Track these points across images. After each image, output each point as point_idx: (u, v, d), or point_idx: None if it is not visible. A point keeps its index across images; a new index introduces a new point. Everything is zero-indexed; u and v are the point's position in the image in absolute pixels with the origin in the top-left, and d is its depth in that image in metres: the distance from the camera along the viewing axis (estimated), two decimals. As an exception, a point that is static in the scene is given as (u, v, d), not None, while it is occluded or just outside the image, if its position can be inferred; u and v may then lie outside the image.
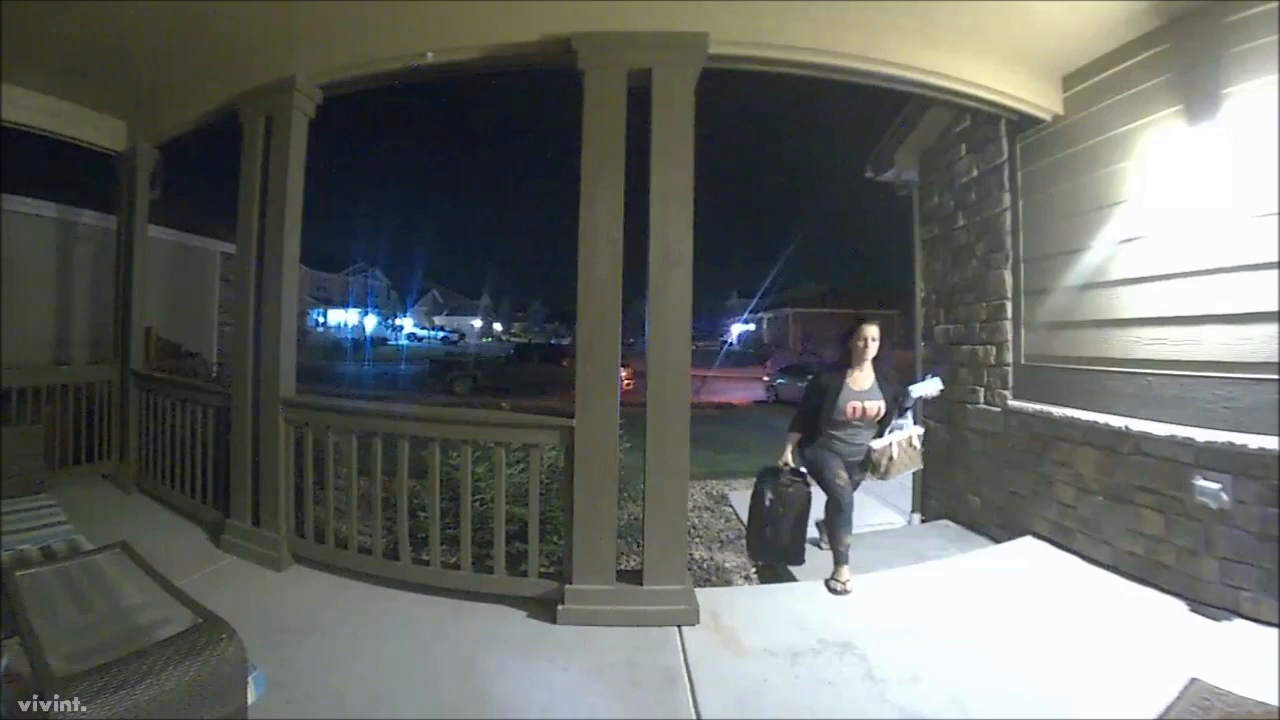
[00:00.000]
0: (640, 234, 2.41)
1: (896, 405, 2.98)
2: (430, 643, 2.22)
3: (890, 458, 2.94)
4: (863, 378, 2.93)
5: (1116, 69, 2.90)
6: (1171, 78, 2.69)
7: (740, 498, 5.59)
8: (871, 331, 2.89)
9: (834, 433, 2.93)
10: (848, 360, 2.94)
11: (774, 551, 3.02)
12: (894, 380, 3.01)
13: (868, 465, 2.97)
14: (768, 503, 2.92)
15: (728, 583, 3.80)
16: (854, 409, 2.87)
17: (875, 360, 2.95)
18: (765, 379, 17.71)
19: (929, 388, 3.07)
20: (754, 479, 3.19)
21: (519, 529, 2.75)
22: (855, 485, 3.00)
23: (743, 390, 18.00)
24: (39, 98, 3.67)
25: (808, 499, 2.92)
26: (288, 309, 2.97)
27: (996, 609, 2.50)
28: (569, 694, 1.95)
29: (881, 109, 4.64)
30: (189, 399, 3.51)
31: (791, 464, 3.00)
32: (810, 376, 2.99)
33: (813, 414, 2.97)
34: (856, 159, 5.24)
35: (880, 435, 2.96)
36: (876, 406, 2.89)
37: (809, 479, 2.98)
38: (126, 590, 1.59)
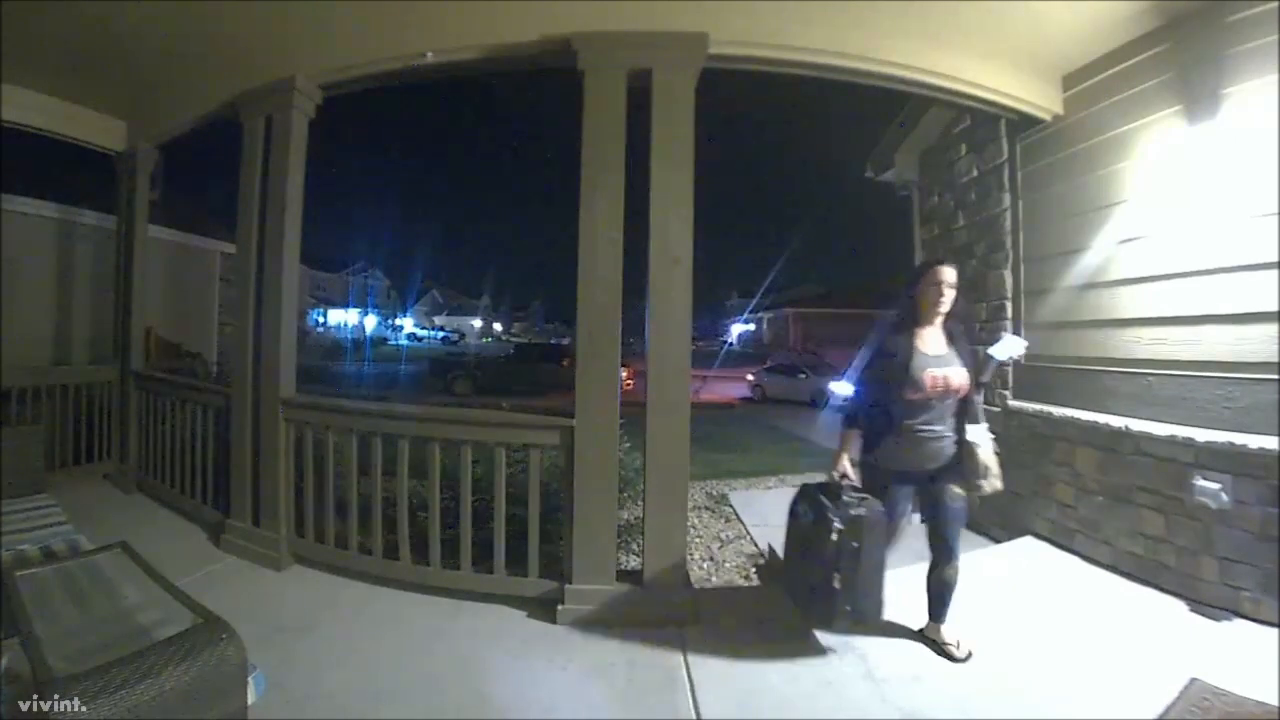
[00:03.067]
0: (640, 234, 2.41)
1: (976, 380, 2.22)
2: (430, 643, 2.22)
3: (995, 453, 2.16)
4: (935, 339, 2.18)
5: (1116, 69, 2.90)
6: (1171, 78, 2.69)
7: (743, 498, 5.58)
8: (949, 276, 2.14)
9: (910, 422, 2.11)
10: (914, 317, 2.19)
11: (847, 609, 2.02)
12: (966, 344, 2.25)
13: (971, 472, 2.12)
14: (835, 536, 1.97)
15: (728, 583, 3.79)
16: (933, 381, 2.07)
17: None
18: (750, 378, 17.87)
19: (1012, 347, 2.31)
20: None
21: (519, 529, 2.74)
22: (959, 510, 2.16)
23: (734, 389, 18.10)
24: (39, 98, 3.67)
25: (888, 525, 2.10)
26: (288, 309, 2.97)
27: (996, 609, 2.50)
28: (569, 694, 1.95)
29: (881, 109, 4.65)
30: (189, 399, 3.51)
31: (852, 476, 2.18)
32: (879, 338, 2.23)
33: (883, 395, 2.15)
34: (856, 159, 5.25)
35: (962, 426, 2.16)
36: (960, 378, 2.12)
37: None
38: (126, 590, 1.59)
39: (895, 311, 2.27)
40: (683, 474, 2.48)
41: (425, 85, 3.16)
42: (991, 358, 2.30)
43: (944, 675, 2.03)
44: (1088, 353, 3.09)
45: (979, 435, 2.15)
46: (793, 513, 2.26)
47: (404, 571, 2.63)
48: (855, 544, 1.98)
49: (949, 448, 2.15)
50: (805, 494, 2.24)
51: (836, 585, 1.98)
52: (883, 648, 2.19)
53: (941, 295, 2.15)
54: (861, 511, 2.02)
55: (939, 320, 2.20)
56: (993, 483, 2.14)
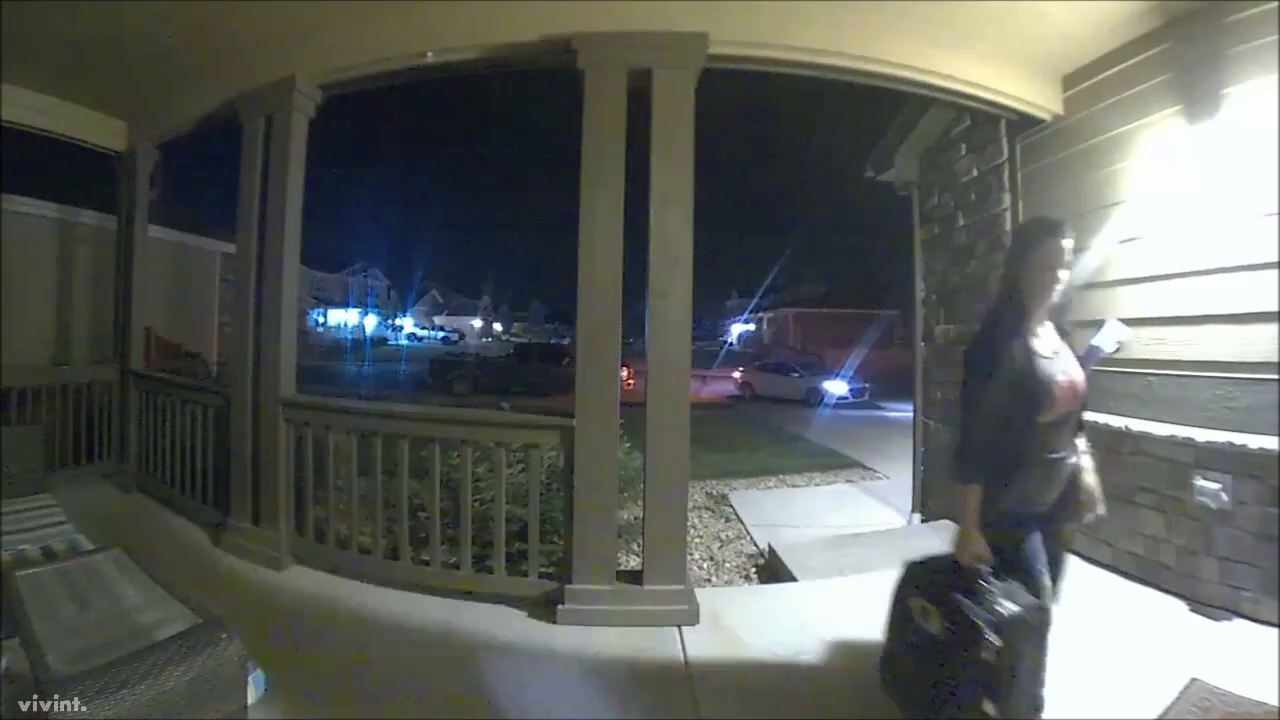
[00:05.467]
0: (640, 234, 2.41)
1: None
2: (430, 643, 2.22)
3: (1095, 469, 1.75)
4: (1048, 335, 1.67)
5: (1116, 69, 2.90)
6: (1171, 78, 2.69)
7: (742, 498, 5.57)
8: (1069, 251, 1.60)
9: (1047, 453, 1.61)
10: (1019, 306, 1.63)
11: None
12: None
13: (1083, 504, 1.72)
14: (993, 655, 1.43)
15: (728, 583, 3.79)
16: (1063, 391, 1.59)
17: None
18: (737, 375, 18.28)
19: (1118, 333, 1.81)
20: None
21: (519, 529, 2.74)
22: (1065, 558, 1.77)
23: (729, 388, 18.34)
24: (39, 98, 3.67)
25: (1046, 623, 1.60)
26: (288, 309, 2.97)
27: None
28: (569, 694, 1.95)
29: (881, 109, 4.65)
30: (189, 399, 3.51)
31: (988, 557, 1.57)
32: (988, 342, 1.65)
33: (1008, 425, 1.57)
34: (856, 159, 5.25)
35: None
36: (1083, 381, 1.68)
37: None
38: (126, 590, 1.59)
39: (995, 303, 1.73)
40: (683, 474, 2.48)
41: (425, 85, 3.16)
42: (1097, 350, 1.84)
43: (944, 675, 2.03)
44: (1088, 353, 3.09)
45: (1086, 452, 1.74)
46: (903, 614, 1.66)
47: (404, 571, 2.63)
48: (1013, 660, 1.45)
49: (1065, 480, 1.69)
50: (922, 586, 1.63)
51: (992, 713, 1.44)
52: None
53: (1058, 281, 1.61)
54: (1015, 609, 1.47)
55: (1045, 310, 1.66)
56: (1099, 511, 1.75)
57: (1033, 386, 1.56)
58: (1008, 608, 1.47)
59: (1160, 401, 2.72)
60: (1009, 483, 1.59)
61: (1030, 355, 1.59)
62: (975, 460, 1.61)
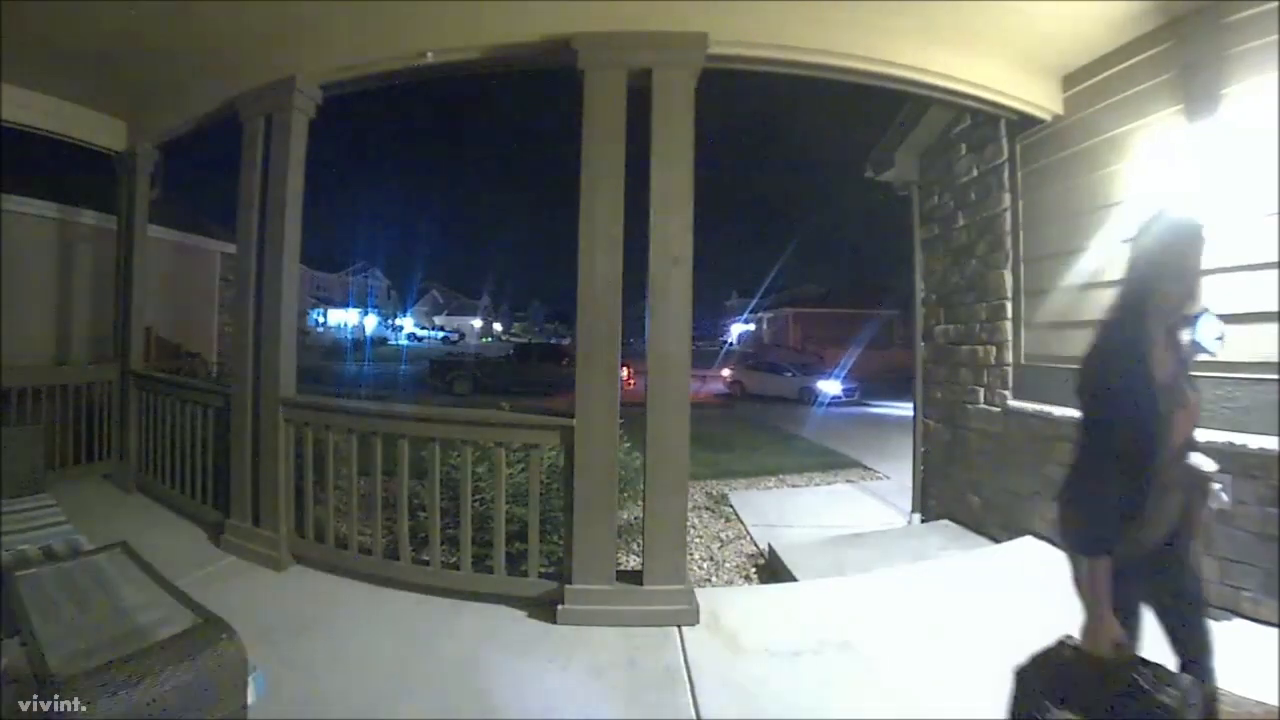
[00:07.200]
0: (640, 234, 2.41)
1: None
2: (430, 643, 2.22)
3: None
4: (1165, 356, 1.40)
5: (1116, 69, 2.91)
6: (1171, 78, 2.69)
7: (743, 498, 5.57)
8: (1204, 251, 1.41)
9: (1165, 488, 1.38)
10: (1143, 327, 1.39)
11: None
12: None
13: (1204, 525, 1.54)
14: None
15: (728, 583, 3.79)
16: (1187, 418, 1.40)
17: None
18: (726, 374, 18.63)
19: (1217, 326, 1.57)
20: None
21: (519, 529, 2.75)
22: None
23: (717, 388, 18.49)
24: (39, 98, 3.67)
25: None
26: (288, 309, 2.97)
27: (996, 609, 2.50)
28: (569, 694, 1.95)
29: (881, 109, 4.65)
30: (189, 399, 3.51)
31: (1125, 641, 1.35)
32: (1103, 384, 1.38)
33: (1132, 473, 1.31)
34: (856, 159, 5.25)
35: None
36: (1197, 399, 1.46)
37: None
38: (126, 590, 1.59)
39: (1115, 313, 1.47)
40: (683, 474, 2.48)
41: (425, 85, 3.17)
42: (1199, 347, 1.54)
43: (944, 674, 2.03)
44: (1088, 353, 3.09)
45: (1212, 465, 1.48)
46: None
47: (404, 571, 2.62)
48: None
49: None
50: (1057, 694, 1.29)
51: None
52: (883, 647, 2.19)
53: (1193, 294, 1.41)
54: (1181, 695, 1.21)
55: (1167, 326, 1.43)
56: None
57: (1157, 424, 1.31)
58: (1174, 695, 1.20)
59: (1160, 401, 2.72)
60: (1129, 527, 1.34)
61: (1155, 387, 1.33)
62: (1107, 526, 1.32)
